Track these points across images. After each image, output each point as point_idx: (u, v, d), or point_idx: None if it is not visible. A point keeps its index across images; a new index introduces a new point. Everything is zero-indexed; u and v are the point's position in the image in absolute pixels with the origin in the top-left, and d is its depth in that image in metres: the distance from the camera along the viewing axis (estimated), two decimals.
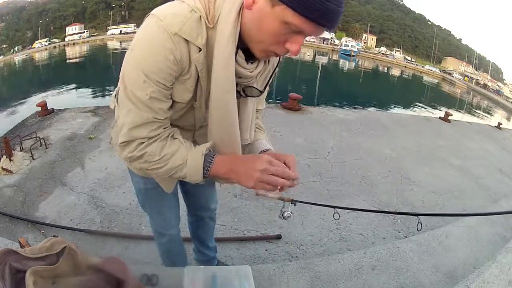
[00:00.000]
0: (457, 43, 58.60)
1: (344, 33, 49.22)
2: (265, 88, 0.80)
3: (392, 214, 2.46)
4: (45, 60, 28.63)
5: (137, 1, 44.22)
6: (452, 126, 5.66)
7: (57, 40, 35.87)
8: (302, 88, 16.46)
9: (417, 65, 45.10)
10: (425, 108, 16.61)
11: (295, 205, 0.86)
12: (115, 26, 41.37)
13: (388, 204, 2.71)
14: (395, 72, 39.21)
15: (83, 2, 42.83)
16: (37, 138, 3.23)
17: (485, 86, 42.44)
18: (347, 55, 40.56)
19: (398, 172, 3.31)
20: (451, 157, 4.01)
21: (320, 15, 0.56)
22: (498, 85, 44.44)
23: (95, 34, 40.10)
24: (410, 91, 26.95)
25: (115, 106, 0.80)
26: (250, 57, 0.70)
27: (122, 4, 44.84)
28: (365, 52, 46.39)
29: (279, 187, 0.73)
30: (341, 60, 38.82)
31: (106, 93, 11.18)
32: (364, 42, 50.32)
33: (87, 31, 39.04)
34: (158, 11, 0.65)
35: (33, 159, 2.93)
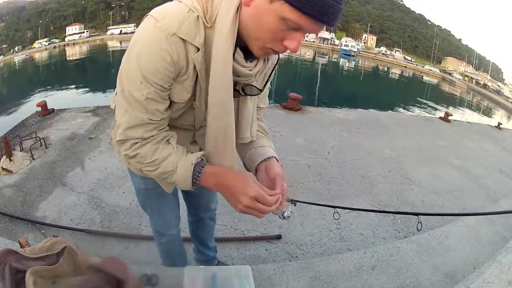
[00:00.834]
0: (457, 43, 58.63)
1: (344, 33, 49.24)
2: (264, 86, 0.80)
3: (392, 214, 2.46)
4: (45, 60, 28.65)
5: (137, 1, 44.23)
6: (452, 126, 5.65)
7: (57, 40, 35.88)
8: (302, 88, 16.46)
9: (417, 65, 45.11)
10: (425, 108, 16.62)
11: (295, 205, 0.86)
12: (115, 26, 41.39)
13: (388, 204, 2.71)
14: (395, 72, 39.21)
15: (83, 2, 42.84)
16: (37, 138, 3.22)
17: (485, 86, 42.45)
18: (347, 55, 40.57)
19: (398, 172, 3.31)
20: (451, 157, 4.01)
21: (318, 10, 0.56)
22: (498, 85, 44.45)
23: (95, 34, 40.12)
24: (410, 91, 26.95)
25: (115, 106, 0.80)
26: (249, 55, 0.70)
27: (122, 4, 44.85)
28: (365, 52, 46.40)
29: None
30: (341, 60, 38.83)
31: (106, 93, 11.18)
32: (364, 42, 50.34)
33: (87, 31, 39.06)
34: (156, 11, 0.65)
35: (33, 159, 2.93)
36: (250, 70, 0.72)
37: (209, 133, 0.77)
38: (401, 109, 14.64)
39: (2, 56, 30.56)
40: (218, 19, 0.65)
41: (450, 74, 44.40)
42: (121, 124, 0.72)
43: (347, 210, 2.33)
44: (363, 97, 17.08)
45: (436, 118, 6.06)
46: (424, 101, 20.32)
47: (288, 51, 0.65)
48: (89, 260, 0.73)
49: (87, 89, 13.14)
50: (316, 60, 35.58)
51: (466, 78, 43.91)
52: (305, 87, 17.06)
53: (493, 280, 1.11)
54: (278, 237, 2.08)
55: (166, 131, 0.77)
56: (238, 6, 0.64)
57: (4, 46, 33.14)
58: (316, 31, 0.61)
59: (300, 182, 2.83)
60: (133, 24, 38.91)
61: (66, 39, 36.41)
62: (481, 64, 51.71)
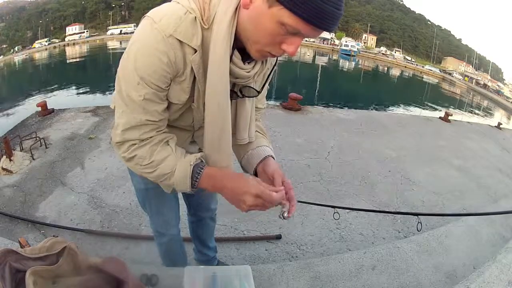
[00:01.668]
0: (457, 43, 58.57)
1: (344, 33, 49.21)
2: (262, 87, 0.80)
3: (392, 214, 2.46)
4: (45, 60, 28.64)
5: (137, 1, 44.18)
6: (452, 126, 5.65)
7: (57, 40, 35.88)
8: (302, 88, 16.45)
9: (417, 65, 45.07)
10: (425, 108, 16.62)
11: None
12: (115, 26, 41.38)
13: (388, 204, 2.71)
14: (395, 72, 39.20)
15: (83, 2, 42.83)
16: (37, 138, 3.23)
17: (485, 86, 42.41)
18: (347, 55, 40.53)
19: (398, 172, 3.31)
20: (451, 157, 4.01)
21: (318, 17, 0.55)
22: (498, 85, 44.39)
23: (95, 34, 40.10)
24: (410, 91, 26.94)
25: (115, 106, 0.80)
26: (247, 57, 0.69)
27: (122, 4, 44.83)
28: (365, 52, 46.35)
29: None
30: (341, 60, 38.80)
31: (106, 93, 11.17)
32: (364, 42, 50.30)
33: (87, 31, 39.04)
34: (153, 12, 0.65)
35: (33, 159, 2.93)
36: (248, 72, 0.72)
37: (206, 133, 0.77)
38: (401, 109, 14.63)
39: (2, 56, 30.55)
40: (215, 21, 0.64)
41: (450, 74, 44.37)
42: (119, 125, 0.72)
43: (347, 210, 2.33)
44: (363, 97, 17.07)
45: (436, 118, 6.06)
46: (423, 101, 20.31)
47: (285, 54, 0.65)
48: (89, 260, 0.73)
49: (87, 89, 13.13)
50: (316, 60, 35.58)
51: (466, 78, 43.87)
52: (305, 87, 17.04)
53: (493, 280, 1.11)
54: (278, 237, 2.08)
55: (164, 132, 0.77)
56: (237, 8, 0.64)
57: (4, 46, 33.14)
58: (315, 36, 0.61)
59: (300, 182, 2.83)
60: (133, 24, 38.89)
61: (66, 39, 36.41)
62: (481, 64, 51.67)
